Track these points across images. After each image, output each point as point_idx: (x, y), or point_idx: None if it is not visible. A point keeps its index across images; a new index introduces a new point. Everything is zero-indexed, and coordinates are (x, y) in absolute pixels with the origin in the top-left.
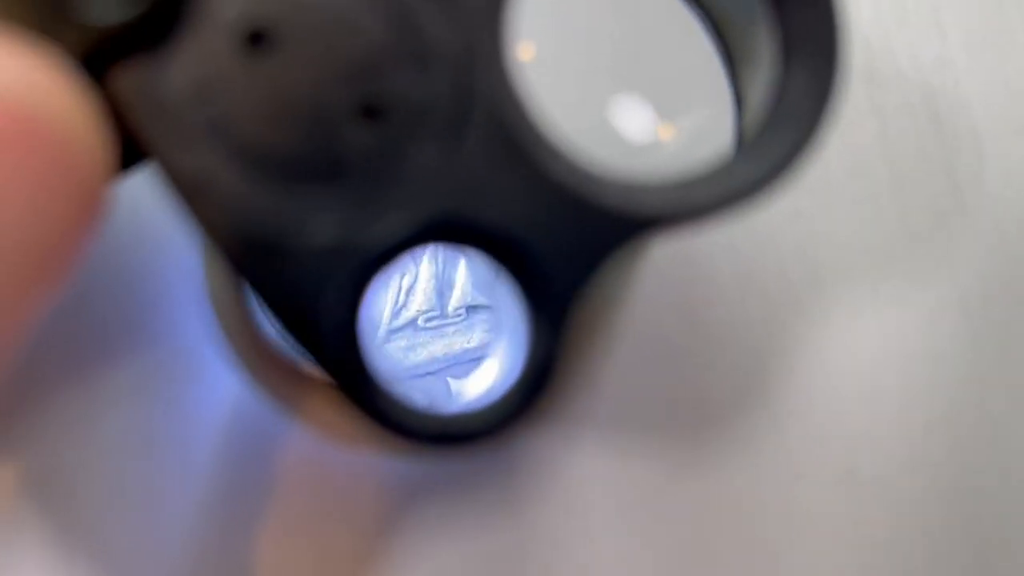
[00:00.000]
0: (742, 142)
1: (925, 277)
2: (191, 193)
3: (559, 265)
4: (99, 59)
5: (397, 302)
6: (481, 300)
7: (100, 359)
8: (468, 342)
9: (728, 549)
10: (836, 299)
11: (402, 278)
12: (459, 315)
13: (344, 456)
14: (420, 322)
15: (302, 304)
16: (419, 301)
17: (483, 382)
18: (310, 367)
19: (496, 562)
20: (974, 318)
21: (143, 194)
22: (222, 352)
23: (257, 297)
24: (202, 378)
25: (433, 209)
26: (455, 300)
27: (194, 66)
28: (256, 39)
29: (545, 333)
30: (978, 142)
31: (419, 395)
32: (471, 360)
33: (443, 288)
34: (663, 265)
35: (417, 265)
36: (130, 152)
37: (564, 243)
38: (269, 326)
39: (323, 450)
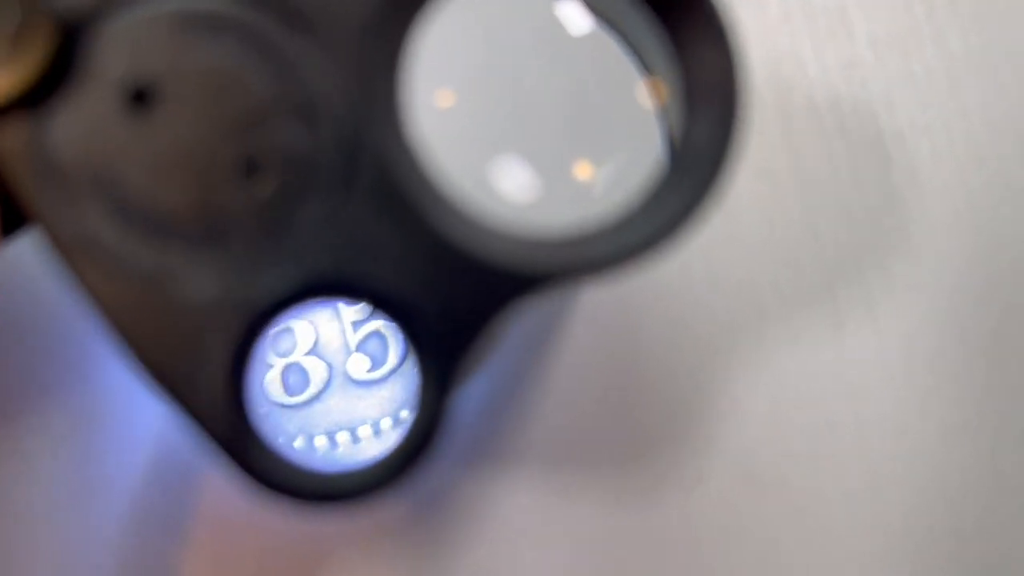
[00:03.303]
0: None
1: (830, 278)
2: (72, 252)
3: (447, 322)
4: None
5: None
6: None
7: (25, 404)
8: None
9: None
10: (745, 310)
11: None
12: None
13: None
14: None
15: (181, 362)
16: None
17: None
18: None
19: None
20: (880, 321)
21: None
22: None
23: (132, 357)
24: (126, 416)
25: (318, 265)
26: None
27: (79, 124)
28: (140, 97)
29: (432, 389)
30: (882, 142)
31: (271, 351)
32: (318, 303)
33: None
34: (588, 298)
35: None
36: (14, 217)
37: (451, 300)
38: None
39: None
